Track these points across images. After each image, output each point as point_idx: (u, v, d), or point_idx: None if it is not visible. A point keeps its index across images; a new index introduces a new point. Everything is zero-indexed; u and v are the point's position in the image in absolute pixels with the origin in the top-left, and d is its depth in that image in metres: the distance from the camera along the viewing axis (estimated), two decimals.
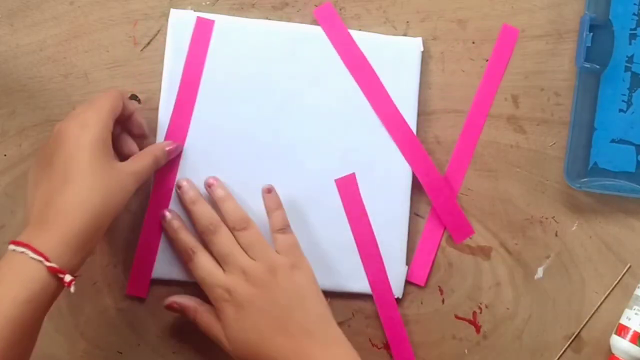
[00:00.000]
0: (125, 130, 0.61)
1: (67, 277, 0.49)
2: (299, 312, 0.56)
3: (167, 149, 0.60)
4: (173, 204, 0.63)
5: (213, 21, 0.64)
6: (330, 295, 0.66)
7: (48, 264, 0.48)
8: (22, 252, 0.48)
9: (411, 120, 0.65)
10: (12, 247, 0.49)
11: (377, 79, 0.65)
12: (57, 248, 0.49)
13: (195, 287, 0.62)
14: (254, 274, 0.57)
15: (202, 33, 0.63)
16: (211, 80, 0.64)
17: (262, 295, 0.56)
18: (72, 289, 0.50)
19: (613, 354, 0.65)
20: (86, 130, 0.53)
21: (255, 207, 0.63)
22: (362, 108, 0.65)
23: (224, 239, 0.59)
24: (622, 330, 0.65)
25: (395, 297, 0.65)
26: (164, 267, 0.63)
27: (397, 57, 0.65)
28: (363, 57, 0.64)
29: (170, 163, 0.63)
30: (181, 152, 0.63)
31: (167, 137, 0.63)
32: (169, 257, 0.63)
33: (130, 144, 0.60)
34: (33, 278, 0.48)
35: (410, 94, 0.65)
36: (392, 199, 0.65)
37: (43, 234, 0.50)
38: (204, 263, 0.59)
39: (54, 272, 0.49)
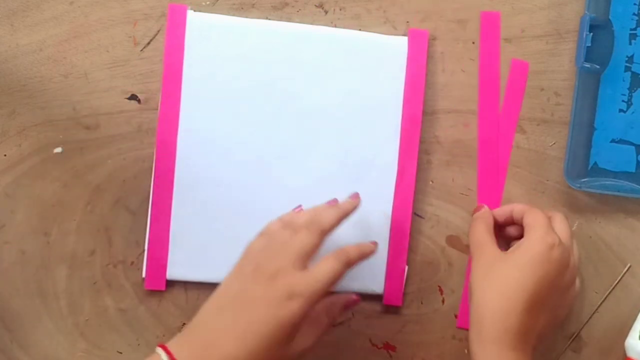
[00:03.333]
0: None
1: None
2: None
3: (345, 302, 0.61)
4: (175, 202, 0.63)
5: (186, 7, 0.64)
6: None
7: None
8: (159, 356, 0.49)
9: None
10: (160, 351, 0.49)
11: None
12: None
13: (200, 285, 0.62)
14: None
15: (176, 22, 0.63)
16: (210, 81, 0.64)
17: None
18: None
19: (629, 357, 0.65)
20: (290, 303, 0.51)
21: (254, 206, 0.64)
22: (361, 108, 0.65)
23: None
24: None
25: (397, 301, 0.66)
26: (177, 268, 0.64)
27: (383, 56, 0.65)
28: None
29: (167, 160, 0.63)
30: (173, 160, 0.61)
31: (158, 138, 0.63)
32: (181, 258, 0.64)
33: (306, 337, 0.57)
34: None
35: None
36: (386, 201, 0.65)
37: (187, 353, 0.50)
38: None
39: None
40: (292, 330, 0.51)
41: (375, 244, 0.59)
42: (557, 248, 0.56)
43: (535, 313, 0.54)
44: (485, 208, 0.63)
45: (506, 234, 0.63)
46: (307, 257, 0.54)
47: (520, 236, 0.59)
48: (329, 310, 0.58)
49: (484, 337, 0.53)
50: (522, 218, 0.59)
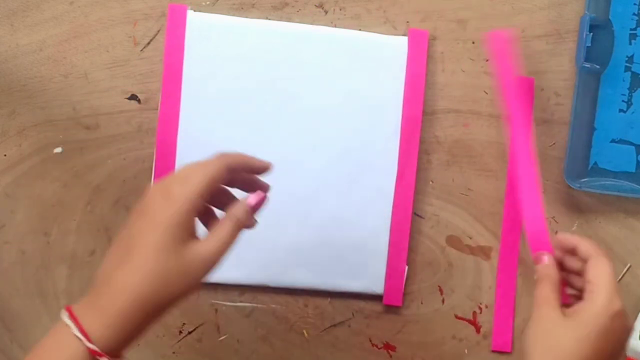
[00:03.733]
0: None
1: None
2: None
3: (250, 202, 0.51)
4: None
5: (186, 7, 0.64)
6: (330, 295, 0.66)
7: (88, 344, 0.45)
8: (67, 327, 0.46)
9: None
10: (64, 314, 0.47)
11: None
12: (101, 329, 0.45)
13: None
14: None
15: (176, 21, 0.63)
16: (210, 81, 0.64)
17: None
18: None
19: (629, 356, 0.65)
20: (167, 205, 0.47)
21: None
22: (361, 108, 0.65)
23: None
24: None
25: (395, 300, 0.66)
26: None
27: (383, 56, 0.65)
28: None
29: (167, 160, 0.63)
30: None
31: (158, 138, 0.63)
32: None
33: (213, 221, 0.52)
34: (72, 356, 0.45)
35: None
36: (386, 201, 0.65)
37: (92, 311, 0.46)
38: None
39: (93, 354, 0.45)
40: (176, 232, 0.47)
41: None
42: (621, 317, 0.52)
43: None
44: (550, 261, 0.56)
45: (566, 266, 0.57)
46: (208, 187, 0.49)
47: (579, 270, 0.55)
48: (232, 214, 0.51)
49: None
50: (586, 259, 0.54)
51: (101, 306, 0.46)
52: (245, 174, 0.53)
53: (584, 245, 0.55)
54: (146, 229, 0.47)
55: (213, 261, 0.48)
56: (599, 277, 0.52)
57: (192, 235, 0.48)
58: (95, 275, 0.48)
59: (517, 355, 0.68)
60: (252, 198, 0.51)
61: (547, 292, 0.54)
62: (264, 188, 0.53)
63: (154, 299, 0.47)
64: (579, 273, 0.54)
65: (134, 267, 0.46)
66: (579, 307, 0.52)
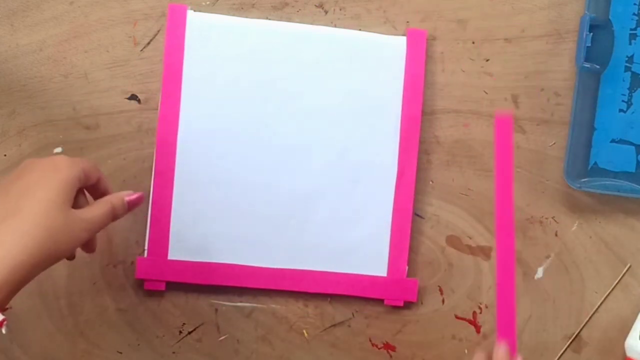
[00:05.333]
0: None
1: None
2: None
3: (127, 199, 0.57)
4: (176, 199, 0.63)
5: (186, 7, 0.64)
6: (330, 295, 0.66)
7: None
8: None
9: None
10: None
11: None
12: None
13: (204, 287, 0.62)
14: None
15: (176, 21, 0.63)
16: (210, 81, 0.64)
17: None
18: (2, 330, 0.46)
19: (629, 356, 0.65)
20: (56, 172, 0.51)
21: (254, 206, 0.64)
22: (360, 108, 0.65)
23: None
24: None
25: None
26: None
27: (382, 56, 0.65)
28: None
29: (167, 160, 0.63)
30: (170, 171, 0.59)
31: (158, 138, 0.63)
32: (180, 258, 0.64)
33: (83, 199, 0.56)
34: None
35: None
36: (386, 201, 0.65)
37: None
38: None
39: None
40: (65, 193, 0.50)
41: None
42: None
43: None
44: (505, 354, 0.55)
45: None
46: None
47: None
48: (109, 199, 0.55)
49: None
50: None
51: None
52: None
53: None
54: (35, 188, 0.50)
55: (94, 224, 0.53)
56: None
57: (71, 205, 0.51)
58: None
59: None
60: (132, 194, 0.57)
61: None
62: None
63: (43, 251, 0.48)
64: None
65: (24, 219, 0.48)
66: None
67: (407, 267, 0.66)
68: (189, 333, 0.66)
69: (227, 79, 0.64)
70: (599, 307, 0.68)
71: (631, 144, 0.67)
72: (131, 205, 0.57)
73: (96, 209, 0.54)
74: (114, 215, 0.55)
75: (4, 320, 0.46)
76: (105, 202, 0.55)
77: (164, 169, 0.63)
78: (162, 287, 0.64)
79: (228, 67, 0.64)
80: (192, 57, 0.63)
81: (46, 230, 0.48)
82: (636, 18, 0.66)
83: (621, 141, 0.67)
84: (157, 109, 0.64)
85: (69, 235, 0.50)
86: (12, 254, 0.47)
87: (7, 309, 0.47)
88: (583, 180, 0.66)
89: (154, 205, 0.64)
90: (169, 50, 0.63)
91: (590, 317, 0.68)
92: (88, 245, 0.58)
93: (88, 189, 0.56)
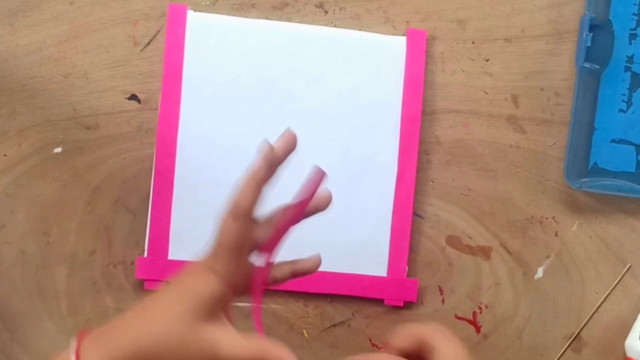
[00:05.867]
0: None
1: None
2: None
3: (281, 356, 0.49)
4: (176, 199, 0.63)
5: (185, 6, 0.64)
6: (330, 295, 0.66)
7: None
8: (70, 349, 0.46)
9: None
10: (72, 341, 0.47)
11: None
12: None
13: None
14: None
15: (176, 21, 0.63)
16: (210, 81, 0.64)
17: None
18: None
19: (629, 357, 0.65)
20: (203, 283, 0.48)
21: None
22: (360, 108, 0.65)
23: None
24: None
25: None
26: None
27: (382, 56, 0.65)
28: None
29: (167, 160, 0.63)
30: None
31: (158, 138, 0.63)
32: (181, 258, 0.64)
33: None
34: None
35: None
36: (386, 201, 0.65)
37: (95, 343, 0.47)
38: None
39: None
40: (201, 309, 0.47)
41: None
42: None
43: None
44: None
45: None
46: (234, 246, 0.50)
47: None
48: (269, 349, 0.50)
49: None
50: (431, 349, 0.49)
51: (105, 340, 0.47)
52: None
53: (426, 336, 0.50)
54: (176, 296, 0.47)
55: (217, 357, 0.47)
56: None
57: (216, 319, 0.48)
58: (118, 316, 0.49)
59: (515, 355, 0.68)
60: (286, 354, 0.50)
61: None
62: None
63: (149, 355, 0.46)
64: None
65: (147, 318, 0.47)
66: None
67: (407, 267, 0.66)
68: None
69: (227, 79, 0.64)
70: (599, 307, 0.68)
71: (631, 144, 0.67)
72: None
73: (241, 344, 0.48)
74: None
75: None
76: (258, 347, 0.49)
77: (164, 169, 0.63)
78: None
79: (228, 66, 0.64)
80: (192, 57, 0.64)
81: (157, 339, 0.46)
82: (636, 18, 0.66)
83: (621, 141, 0.67)
84: (157, 109, 0.64)
85: (183, 351, 0.46)
86: (127, 347, 0.46)
87: None
88: (583, 180, 0.66)
89: (154, 205, 0.64)
90: (168, 51, 0.63)
91: (590, 317, 0.68)
92: None
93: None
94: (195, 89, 0.64)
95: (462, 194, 0.67)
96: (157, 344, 0.46)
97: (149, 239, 0.64)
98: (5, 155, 0.64)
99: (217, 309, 0.48)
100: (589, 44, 0.64)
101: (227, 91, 0.64)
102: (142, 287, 0.64)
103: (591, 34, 0.64)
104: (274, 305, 0.66)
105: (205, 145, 0.64)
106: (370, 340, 0.67)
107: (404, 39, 0.65)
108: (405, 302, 0.66)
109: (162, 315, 0.47)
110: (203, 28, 0.64)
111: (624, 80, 0.66)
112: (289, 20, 0.65)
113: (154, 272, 0.64)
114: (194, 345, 0.47)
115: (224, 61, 0.64)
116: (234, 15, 0.65)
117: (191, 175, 0.64)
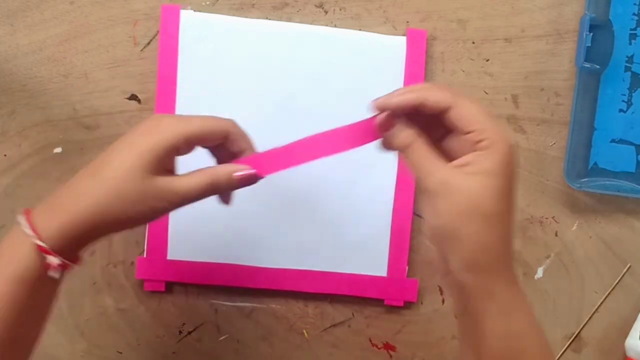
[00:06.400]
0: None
1: (52, 259, 0.47)
2: None
3: (236, 175, 0.51)
4: None
5: (178, 7, 0.63)
6: (330, 295, 0.66)
7: (37, 241, 0.46)
8: (19, 224, 0.47)
9: None
10: (20, 216, 0.48)
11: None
12: (52, 228, 0.47)
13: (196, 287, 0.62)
14: None
15: (170, 22, 0.63)
16: (206, 80, 0.64)
17: None
18: (53, 274, 0.47)
19: (629, 356, 0.65)
20: (147, 135, 0.49)
21: (253, 207, 0.64)
22: (360, 108, 0.65)
23: None
24: None
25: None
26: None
27: (382, 56, 0.65)
28: None
29: None
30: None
31: None
32: (179, 259, 0.64)
33: None
34: (24, 255, 0.47)
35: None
36: (386, 201, 0.65)
37: (48, 212, 0.48)
38: None
39: (42, 252, 0.47)
40: (151, 159, 0.48)
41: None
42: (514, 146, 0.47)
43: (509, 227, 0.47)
44: (401, 121, 0.49)
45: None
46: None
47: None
48: (214, 171, 0.51)
49: (480, 267, 0.45)
50: (444, 110, 0.47)
51: (58, 208, 0.48)
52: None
53: (434, 96, 0.47)
54: (123, 150, 0.49)
55: (187, 194, 0.49)
56: (476, 120, 0.46)
57: (167, 171, 0.50)
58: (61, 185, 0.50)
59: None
60: (240, 172, 0.51)
61: (424, 151, 0.47)
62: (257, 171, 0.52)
63: (115, 213, 0.48)
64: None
65: (101, 178, 0.48)
66: (474, 156, 0.46)
67: (407, 267, 0.66)
68: (189, 333, 0.66)
69: (224, 79, 0.64)
70: (599, 307, 0.68)
71: (631, 144, 0.67)
72: (241, 183, 0.51)
73: (192, 179, 0.50)
74: (214, 189, 0.50)
75: (60, 264, 0.47)
76: (206, 174, 0.50)
77: None
78: (162, 287, 0.64)
79: (224, 67, 0.64)
80: (186, 58, 0.63)
81: (119, 194, 0.48)
82: (636, 18, 0.66)
83: (621, 141, 0.67)
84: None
85: (142, 203, 0.48)
86: (81, 210, 0.47)
87: (77, 260, 0.49)
88: (583, 180, 0.66)
89: None
90: (163, 52, 0.63)
91: (590, 317, 0.68)
92: (222, 198, 0.54)
93: (215, 150, 0.53)
94: (191, 88, 0.63)
95: None
96: (117, 200, 0.48)
97: (148, 239, 0.64)
98: (5, 155, 0.64)
99: (165, 161, 0.49)
100: (589, 44, 0.64)
101: (224, 90, 0.64)
102: (142, 287, 0.64)
103: (591, 34, 0.64)
104: (274, 305, 0.66)
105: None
106: (370, 340, 0.67)
107: (404, 39, 0.65)
108: (405, 302, 0.66)
109: (116, 173, 0.48)
110: (197, 28, 0.63)
111: (624, 80, 0.66)
112: (289, 20, 0.65)
113: (153, 272, 0.64)
114: (150, 195, 0.48)
115: (220, 62, 0.64)
116: (234, 15, 0.65)
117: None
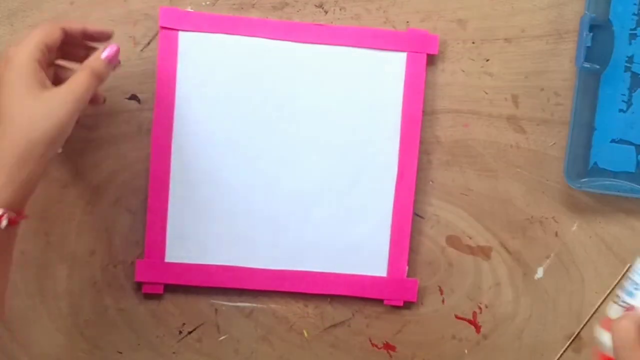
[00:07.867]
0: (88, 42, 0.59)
1: None
2: None
3: (104, 55, 0.55)
4: (172, 202, 0.63)
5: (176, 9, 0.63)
6: (330, 296, 0.66)
7: None
8: None
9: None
10: None
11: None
12: None
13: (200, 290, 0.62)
14: None
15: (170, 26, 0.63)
16: (205, 82, 0.64)
17: None
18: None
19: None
20: (9, 66, 0.52)
21: (252, 207, 0.64)
22: (360, 108, 0.65)
23: None
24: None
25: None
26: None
27: (382, 56, 0.65)
28: None
29: (164, 161, 0.63)
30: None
31: (153, 142, 0.63)
32: (178, 260, 0.64)
33: (67, 72, 0.58)
34: None
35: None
36: (386, 201, 0.65)
37: None
38: None
39: None
40: (26, 81, 0.52)
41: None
42: None
43: None
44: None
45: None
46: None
47: None
48: (86, 64, 0.55)
49: None
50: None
51: None
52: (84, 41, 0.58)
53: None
54: (12, 82, 0.52)
55: (78, 94, 0.53)
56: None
57: (44, 85, 0.53)
58: None
59: (514, 355, 0.68)
60: (106, 50, 0.56)
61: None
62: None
63: (34, 137, 0.50)
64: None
65: (9, 121, 0.51)
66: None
67: (407, 267, 0.66)
68: (189, 333, 0.66)
69: (224, 79, 0.64)
70: (599, 307, 0.68)
71: (631, 144, 0.67)
72: (111, 60, 0.56)
73: (75, 79, 0.53)
74: (97, 77, 0.55)
75: (3, 214, 0.49)
76: (84, 68, 0.54)
77: (159, 173, 0.63)
78: (160, 290, 0.64)
79: (222, 74, 0.64)
80: (186, 57, 0.63)
81: (27, 118, 0.51)
82: (636, 18, 0.66)
83: (621, 141, 0.67)
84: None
85: (49, 116, 0.51)
86: (6, 159, 0.50)
87: (21, 214, 0.51)
88: (583, 180, 0.66)
89: (150, 209, 0.63)
90: (162, 52, 0.63)
91: (590, 317, 0.68)
92: (92, 100, 0.58)
93: (73, 49, 0.58)
94: (190, 90, 0.63)
95: (462, 194, 0.67)
96: (21, 132, 0.50)
97: (146, 242, 0.64)
98: None
99: (42, 75, 0.53)
100: (589, 44, 0.64)
101: (223, 92, 0.64)
102: (142, 287, 0.64)
103: (591, 34, 0.64)
104: (273, 306, 0.66)
105: (201, 148, 0.64)
106: (370, 340, 0.67)
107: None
108: (405, 302, 0.66)
109: (5, 106, 0.51)
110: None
111: (624, 80, 0.66)
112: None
113: (151, 275, 0.64)
114: (46, 107, 0.51)
115: (220, 62, 0.64)
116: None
117: (187, 178, 0.64)
